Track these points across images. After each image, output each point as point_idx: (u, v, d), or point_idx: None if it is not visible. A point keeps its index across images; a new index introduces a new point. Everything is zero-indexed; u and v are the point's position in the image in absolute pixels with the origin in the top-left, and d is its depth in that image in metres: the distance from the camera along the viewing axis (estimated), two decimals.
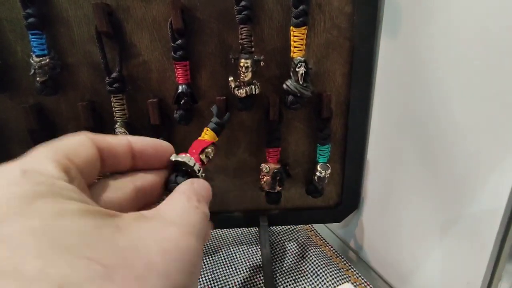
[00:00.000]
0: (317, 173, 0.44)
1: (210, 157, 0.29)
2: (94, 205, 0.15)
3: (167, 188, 0.23)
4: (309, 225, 0.56)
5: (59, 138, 0.18)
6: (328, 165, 0.44)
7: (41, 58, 0.36)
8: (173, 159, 0.23)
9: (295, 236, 0.53)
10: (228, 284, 0.44)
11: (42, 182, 0.14)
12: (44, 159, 0.16)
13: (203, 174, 0.24)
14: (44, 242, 0.12)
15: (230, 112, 0.40)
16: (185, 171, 0.23)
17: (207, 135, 0.33)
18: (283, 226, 0.55)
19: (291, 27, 0.36)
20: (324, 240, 0.52)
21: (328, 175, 0.44)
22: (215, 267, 0.47)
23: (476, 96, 0.30)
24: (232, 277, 0.45)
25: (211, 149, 0.30)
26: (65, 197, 0.14)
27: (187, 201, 0.19)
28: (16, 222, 0.12)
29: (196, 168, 0.24)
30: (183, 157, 0.23)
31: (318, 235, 0.53)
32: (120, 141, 0.21)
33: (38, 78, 0.36)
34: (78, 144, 0.18)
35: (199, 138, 0.32)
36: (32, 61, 0.36)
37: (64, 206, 0.14)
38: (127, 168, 0.22)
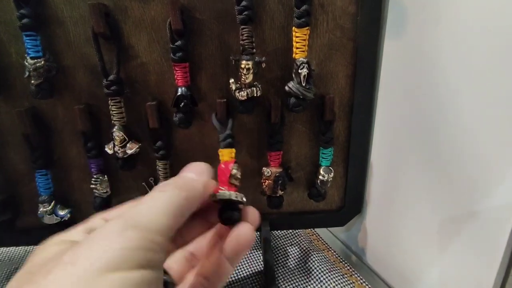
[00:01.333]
0: (320, 177, 0.43)
1: (239, 177, 0.30)
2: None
3: (224, 223, 0.23)
4: (311, 229, 0.55)
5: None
6: (331, 168, 0.43)
7: (35, 60, 0.35)
8: (218, 198, 0.23)
9: (297, 240, 0.52)
10: None
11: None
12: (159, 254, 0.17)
13: (244, 199, 0.24)
14: None
15: (232, 115, 0.39)
16: (229, 204, 0.23)
17: (224, 155, 0.35)
18: (285, 231, 0.54)
19: (293, 28, 0.35)
20: (326, 245, 0.51)
21: (331, 178, 0.43)
22: None
23: (486, 97, 0.29)
24: (234, 283, 0.44)
25: (235, 169, 0.30)
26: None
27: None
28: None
29: (238, 198, 0.24)
30: (224, 194, 0.24)
31: (320, 239, 0.52)
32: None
33: (33, 81, 0.35)
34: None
35: (220, 163, 0.32)
36: (26, 63, 0.35)
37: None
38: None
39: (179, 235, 0.23)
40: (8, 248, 0.54)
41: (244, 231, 0.23)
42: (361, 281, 0.43)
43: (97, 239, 0.16)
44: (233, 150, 0.36)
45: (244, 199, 0.24)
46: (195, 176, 0.21)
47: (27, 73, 0.35)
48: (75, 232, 0.19)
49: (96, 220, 0.20)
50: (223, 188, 0.25)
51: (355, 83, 0.40)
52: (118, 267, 0.14)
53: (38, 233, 0.45)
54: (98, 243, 0.15)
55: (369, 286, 0.42)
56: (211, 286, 0.22)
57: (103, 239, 0.15)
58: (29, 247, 0.53)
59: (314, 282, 0.43)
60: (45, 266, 0.15)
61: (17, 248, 0.54)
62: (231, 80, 0.37)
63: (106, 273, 0.14)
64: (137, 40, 0.37)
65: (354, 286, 0.42)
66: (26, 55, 0.35)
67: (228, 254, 0.22)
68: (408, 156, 0.38)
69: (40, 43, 0.35)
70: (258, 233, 0.50)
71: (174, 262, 0.23)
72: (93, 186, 0.41)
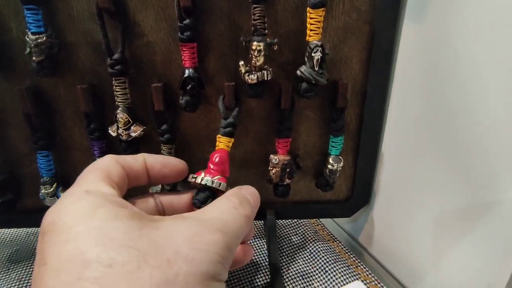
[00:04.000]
0: (329, 166, 0.41)
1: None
2: (139, 211, 0.21)
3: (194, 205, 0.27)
4: (317, 219, 0.54)
5: (95, 162, 0.25)
6: (341, 157, 0.41)
7: (37, 36, 0.33)
8: (189, 181, 0.28)
9: (302, 230, 0.51)
10: (233, 279, 0.42)
11: (100, 196, 0.20)
12: (98, 181, 0.22)
13: (228, 187, 0.27)
14: (101, 236, 0.17)
15: (240, 100, 0.38)
16: (206, 188, 0.26)
17: (222, 143, 0.34)
18: (290, 220, 0.53)
19: (308, 8, 0.34)
20: (332, 235, 0.50)
21: (340, 168, 0.41)
22: None
23: (507, 90, 0.27)
24: (238, 271, 0.43)
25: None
26: (118, 206, 0.20)
27: (226, 202, 0.23)
28: (83, 224, 0.18)
29: (215, 185, 0.27)
30: (196, 178, 0.28)
31: (325, 229, 0.52)
32: (137, 159, 0.26)
33: (34, 58, 0.34)
34: (111, 166, 0.24)
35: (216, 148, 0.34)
36: (27, 39, 0.34)
37: (118, 212, 0.19)
38: (145, 183, 0.27)
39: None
40: (9, 229, 0.53)
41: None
42: (367, 272, 0.42)
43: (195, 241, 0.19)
44: (232, 140, 0.35)
45: (227, 187, 0.27)
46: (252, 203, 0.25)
47: (28, 50, 0.34)
48: (93, 182, 0.22)
49: (109, 163, 0.24)
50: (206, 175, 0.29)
51: (369, 70, 0.39)
52: (217, 277, 0.18)
53: (39, 215, 0.44)
54: (198, 246, 0.18)
55: (375, 277, 0.41)
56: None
57: (202, 243, 0.19)
58: (30, 229, 0.53)
59: (319, 272, 0.42)
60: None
61: (18, 229, 0.53)
62: (241, 63, 0.35)
63: (207, 281, 0.18)
64: (143, 17, 0.35)
65: (359, 277, 0.41)
66: (27, 30, 0.34)
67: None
68: (422, 147, 0.37)
69: (42, 18, 0.34)
70: (263, 221, 0.49)
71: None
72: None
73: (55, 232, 0.18)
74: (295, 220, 0.53)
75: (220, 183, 0.29)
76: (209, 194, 0.28)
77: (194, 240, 0.18)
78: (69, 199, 0.20)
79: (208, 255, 0.18)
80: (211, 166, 0.31)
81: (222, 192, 0.28)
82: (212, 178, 0.29)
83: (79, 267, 0.16)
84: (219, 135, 0.35)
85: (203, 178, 0.29)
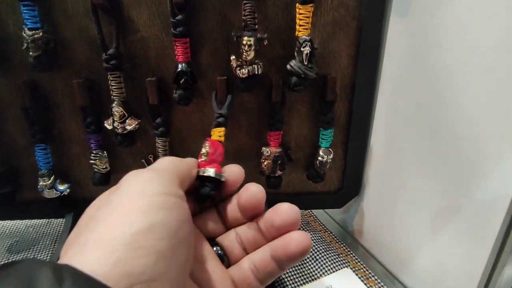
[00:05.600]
0: (319, 158, 0.43)
1: (207, 149, 0.31)
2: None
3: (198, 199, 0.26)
4: (309, 210, 0.55)
5: (171, 161, 0.23)
6: (331, 150, 0.43)
7: (34, 32, 0.34)
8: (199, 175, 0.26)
9: None
10: None
11: (175, 203, 0.20)
12: (175, 185, 0.21)
13: (205, 170, 0.26)
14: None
15: (232, 94, 0.39)
16: (206, 179, 0.26)
17: (214, 135, 0.35)
18: None
19: (297, 4, 0.35)
20: (323, 226, 0.52)
21: (330, 160, 0.43)
22: None
23: (489, 82, 0.28)
24: None
25: (206, 143, 0.31)
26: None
27: None
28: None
29: (210, 174, 0.26)
30: (206, 171, 0.26)
31: (317, 220, 0.53)
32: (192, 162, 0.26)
33: (31, 53, 0.35)
34: (187, 169, 0.24)
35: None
36: (24, 35, 0.34)
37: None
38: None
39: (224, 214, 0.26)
40: (8, 221, 0.54)
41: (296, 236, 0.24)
42: (356, 260, 0.44)
43: (122, 182, 0.20)
44: (223, 129, 0.35)
45: (223, 175, 0.26)
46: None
47: (25, 45, 0.35)
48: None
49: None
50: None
51: (357, 64, 0.40)
52: (145, 194, 0.19)
53: (38, 207, 0.46)
54: (136, 178, 0.20)
55: (364, 265, 0.43)
56: (260, 277, 0.24)
57: (126, 180, 0.20)
58: (29, 221, 0.54)
59: (310, 261, 0.44)
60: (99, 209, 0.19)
61: (17, 221, 0.54)
62: (232, 57, 0.36)
63: (149, 196, 0.19)
64: (137, 13, 0.36)
65: (349, 265, 0.43)
66: (24, 26, 0.35)
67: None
68: (408, 139, 0.38)
69: (38, 14, 0.35)
70: None
71: (229, 241, 0.25)
72: (92, 161, 0.41)
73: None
74: None
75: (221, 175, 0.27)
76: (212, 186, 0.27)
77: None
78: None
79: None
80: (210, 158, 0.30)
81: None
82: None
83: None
84: (212, 129, 0.35)
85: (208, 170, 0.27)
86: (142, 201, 0.18)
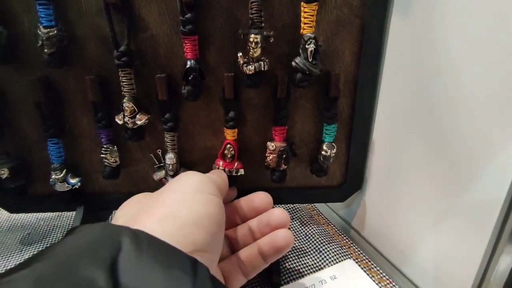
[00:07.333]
0: (323, 152, 0.44)
1: (232, 152, 0.42)
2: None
3: None
4: (312, 205, 0.57)
5: (212, 174, 0.36)
6: (334, 144, 0.44)
7: (48, 30, 0.36)
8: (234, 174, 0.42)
9: (298, 215, 0.54)
10: None
11: (220, 203, 0.29)
12: (218, 191, 0.31)
13: (238, 171, 0.42)
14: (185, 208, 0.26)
15: (238, 89, 0.40)
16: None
17: (229, 135, 0.42)
18: (286, 205, 0.56)
19: (302, 3, 0.36)
20: (326, 219, 0.53)
21: (333, 154, 0.44)
22: None
23: (491, 81, 0.29)
24: None
25: (228, 146, 0.41)
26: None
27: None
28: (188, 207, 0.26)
29: (242, 173, 0.42)
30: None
31: (320, 214, 0.54)
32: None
33: (46, 50, 0.36)
34: (225, 184, 0.36)
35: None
36: (39, 32, 0.36)
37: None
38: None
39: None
40: (20, 215, 0.56)
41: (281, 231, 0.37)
42: (359, 252, 0.45)
43: (181, 178, 0.30)
44: (236, 129, 0.42)
45: (238, 172, 0.41)
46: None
47: (40, 42, 0.36)
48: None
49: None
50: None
51: (360, 61, 0.41)
52: (202, 191, 0.28)
53: (50, 200, 0.47)
54: (185, 178, 0.30)
55: (366, 257, 0.44)
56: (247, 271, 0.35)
57: (186, 178, 0.30)
58: (40, 214, 0.56)
59: (314, 253, 0.45)
60: (146, 201, 0.29)
61: (29, 214, 0.56)
62: (239, 54, 0.37)
63: (206, 194, 0.28)
64: (147, 11, 0.38)
65: (352, 257, 0.44)
66: (39, 24, 0.36)
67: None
68: (409, 134, 0.40)
69: (53, 13, 0.36)
70: None
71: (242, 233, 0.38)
72: (103, 155, 0.43)
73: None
74: (292, 206, 0.56)
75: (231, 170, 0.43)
76: None
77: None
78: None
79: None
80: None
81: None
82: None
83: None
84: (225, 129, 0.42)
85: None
86: (202, 196, 0.27)
